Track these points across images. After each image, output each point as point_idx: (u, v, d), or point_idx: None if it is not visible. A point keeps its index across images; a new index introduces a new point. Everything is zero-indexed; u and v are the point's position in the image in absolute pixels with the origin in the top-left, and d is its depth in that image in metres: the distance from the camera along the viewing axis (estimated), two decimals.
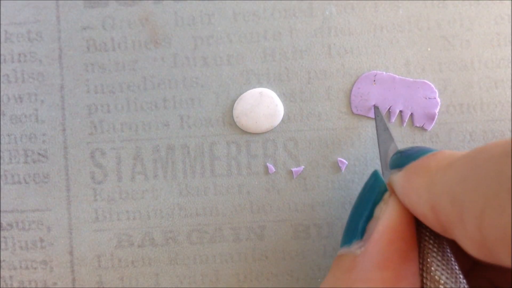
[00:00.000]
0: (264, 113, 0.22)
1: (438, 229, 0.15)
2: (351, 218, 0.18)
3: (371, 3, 0.22)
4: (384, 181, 0.18)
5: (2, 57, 0.23)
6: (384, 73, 0.22)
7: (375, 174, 0.18)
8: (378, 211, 0.17)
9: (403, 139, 0.22)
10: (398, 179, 0.17)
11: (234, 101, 0.23)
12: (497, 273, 0.18)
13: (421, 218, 0.16)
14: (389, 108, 0.22)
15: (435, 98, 0.22)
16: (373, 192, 0.17)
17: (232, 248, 0.23)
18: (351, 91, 0.22)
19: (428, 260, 0.16)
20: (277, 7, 0.22)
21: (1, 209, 0.23)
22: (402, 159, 0.17)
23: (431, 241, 0.16)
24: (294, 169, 0.22)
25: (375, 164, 0.22)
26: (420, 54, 0.22)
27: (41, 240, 0.23)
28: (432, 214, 0.15)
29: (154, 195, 0.23)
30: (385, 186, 0.17)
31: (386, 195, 0.17)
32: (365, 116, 0.22)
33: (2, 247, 0.23)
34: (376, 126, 0.21)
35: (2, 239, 0.23)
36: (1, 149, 0.23)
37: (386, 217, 0.16)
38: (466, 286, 0.15)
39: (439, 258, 0.16)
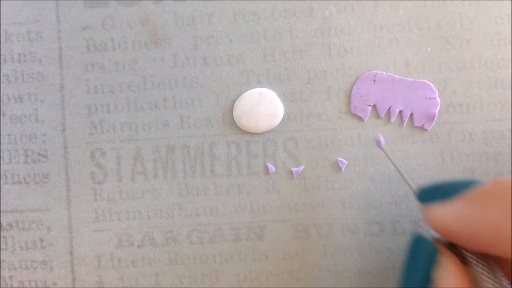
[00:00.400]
0: (264, 113, 0.22)
1: None
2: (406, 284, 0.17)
3: (371, 3, 0.22)
4: (432, 243, 0.17)
5: (2, 57, 0.23)
6: (384, 73, 0.22)
7: (418, 239, 0.18)
8: (436, 277, 0.17)
9: (403, 139, 0.22)
10: (451, 211, 0.16)
11: (234, 101, 0.23)
12: None
13: (493, 246, 0.16)
14: (389, 108, 0.22)
15: (435, 98, 0.22)
16: (424, 258, 0.17)
17: (232, 248, 0.23)
18: (351, 91, 0.22)
19: None
20: (277, 7, 0.22)
21: (1, 209, 0.23)
22: (444, 190, 0.17)
23: None
24: (294, 169, 0.22)
25: (375, 164, 0.22)
26: (420, 54, 0.22)
27: (41, 240, 0.23)
28: None
29: (154, 195, 0.23)
30: (435, 248, 0.17)
31: (440, 257, 0.17)
32: (359, 117, 0.22)
33: (2, 247, 0.23)
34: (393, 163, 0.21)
35: (2, 239, 0.23)
36: (1, 149, 0.23)
37: (448, 283, 0.16)
38: None
39: None
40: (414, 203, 0.22)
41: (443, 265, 0.17)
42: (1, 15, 0.23)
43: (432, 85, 0.22)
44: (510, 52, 0.22)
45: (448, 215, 0.17)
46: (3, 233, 0.23)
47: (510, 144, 0.22)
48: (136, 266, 0.23)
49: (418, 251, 0.18)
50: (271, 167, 0.23)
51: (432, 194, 0.18)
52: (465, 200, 0.16)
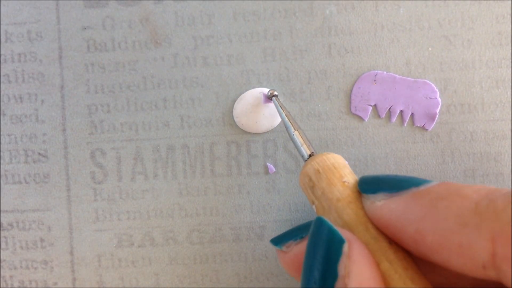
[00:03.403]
0: (264, 113, 0.22)
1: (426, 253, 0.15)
2: (306, 280, 0.15)
3: (371, 3, 0.22)
4: (336, 230, 0.15)
5: (2, 57, 0.23)
6: (385, 72, 0.22)
7: (324, 225, 0.16)
8: (342, 269, 0.15)
9: (403, 139, 0.22)
10: (397, 205, 0.16)
11: (234, 101, 0.23)
12: None
13: (435, 250, 0.15)
14: (389, 108, 0.22)
15: (436, 98, 0.22)
16: (328, 248, 0.15)
17: (232, 248, 0.23)
18: (351, 91, 0.22)
19: None
20: (277, 7, 0.22)
21: (2, 209, 0.23)
22: (391, 184, 0.16)
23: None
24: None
25: (376, 164, 0.22)
26: (421, 53, 0.22)
27: (42, 240, 0.23)
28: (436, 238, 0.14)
29: (154, 195, 0.23)
30: (340, 237, 0.15)
31: (345, 247, 0.15)
32: (360, 117, 0.22)
33: (2, 247, 0.23)
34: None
35: (2, 239, 0.23)
36: (2, 149, 0.23)
37: (357, 274, 0.14)
38: None
39: None
40: None
41: (349, 257, 0.15)
42: (1, 15, 0.23)
43: (433, 85, 0.22)
44: (511, 52, 0.22)
45: (393, 209, 0.16)
46: (3, 233, 0.23)
47: (511, 144, 0.22)
48: (136, 266, 0.23)
49: (319, 239, 0.15)
50: (271, 167, 0.22)
51: (376, 186, 0.17)
52: (413, 196, 0.16)
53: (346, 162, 0.18)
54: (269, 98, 0.22)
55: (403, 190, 0.16)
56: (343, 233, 0.15)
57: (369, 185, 0.17)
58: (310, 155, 0.19)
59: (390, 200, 0.16)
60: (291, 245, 0.18)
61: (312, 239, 0.16)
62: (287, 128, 0.20)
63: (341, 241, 0.15)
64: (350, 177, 0.17)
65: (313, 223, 0.16)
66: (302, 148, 0.19)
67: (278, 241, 0.18)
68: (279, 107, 0.21)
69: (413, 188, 0.16)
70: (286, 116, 0.20)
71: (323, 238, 0.15)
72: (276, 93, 0.21)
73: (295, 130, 0.20)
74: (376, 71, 0.22)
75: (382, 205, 0.16)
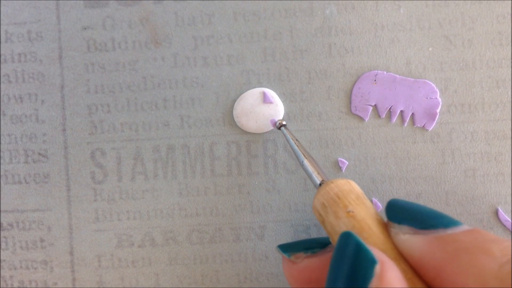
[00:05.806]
0: (264, 113, 0.22)
1: None
2: None
3: (371, 3, 0.22)
4: (370, 251, 0.15)
5: (2, 57, 0.23)
6: (385, 72, 0.22)
7: (354, 242, 0.15)
8: None
9: (404, 139, 0.22)
10: (421, 244, 0.15)
11: (234, 101, 0.23)
12: None
13: None
14: (389, 108, 0.22)
15: (436, 97, 0.22)
16: (359, 266, 0.14)
17: (232, 248, 0.23)
18: (351, 90, 0.22)
19: None
20: (277, 7, 0.22)
21: (2, 209, 0.23)
22: (420, 218, 0.16)
23: None
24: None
25: (376, 164, 0.22)
26: (421, 53, 0.22)
27: (42, 240, 0.23)
28: None
29: (154, 195, 0.23)
30: (372, 257, 0.14)
31: (378, 268, 0.14)
32: (360, 117, 0.22)
33: (2, 247, 0.23)
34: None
35: (2, 239, 0.23)
36: (2, 149, 0.23)
37: None
38: None
39: None
40: None
41: (384, 280, 0.14)
42: (1, 15, 0.23)
43: (434, 85, 0.22)
44: (511, 52, 0.22)
45: (417, 247, 0.16)
46: (3, 233, 0.23)
47: (511, 144, 0.22)
48: (136, 266, 0.23)
49: (346, 256, 0.15)
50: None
51: (403, 216, 0.16)
52: (439, 239, 0.15)
53: (355, 186, 0.18)
54: (278, 128, 0.22)
55: (430, 228, 0.16)
56: (376, 253, 0.15)
57: (396, 213, 0.17)
58: (320, 184, 0.19)
59: (415, 236, 0.16)
60: (301, 256, 0.17)
61: (338, 255, 0.15)
62: (297, 157, 0.20)
63: (373, 262, 0.14)
64: (356, 204, 0.17)
65: (341, 237, 0.15)
66: (312, 177, 0.19)
67: (287, 248, 0.18)
68: (289, 137, 0.21)
69: (440, 229, 0.16)
70: (296, 145, 0.20)
71: (351, 256, 0.15)
72: (284, 122, 0.21)
73: (305, 158, 0.20)
74: (376, 71, 0.22)
75: (406, 239, 0.16)
